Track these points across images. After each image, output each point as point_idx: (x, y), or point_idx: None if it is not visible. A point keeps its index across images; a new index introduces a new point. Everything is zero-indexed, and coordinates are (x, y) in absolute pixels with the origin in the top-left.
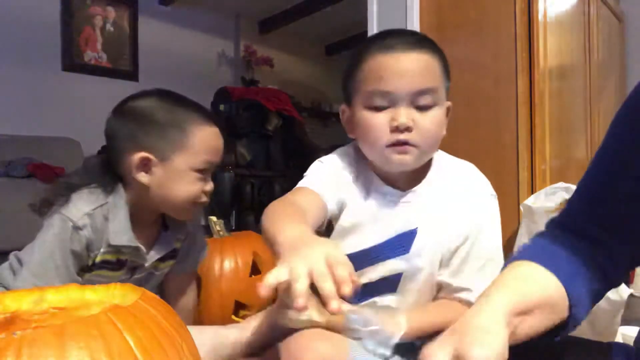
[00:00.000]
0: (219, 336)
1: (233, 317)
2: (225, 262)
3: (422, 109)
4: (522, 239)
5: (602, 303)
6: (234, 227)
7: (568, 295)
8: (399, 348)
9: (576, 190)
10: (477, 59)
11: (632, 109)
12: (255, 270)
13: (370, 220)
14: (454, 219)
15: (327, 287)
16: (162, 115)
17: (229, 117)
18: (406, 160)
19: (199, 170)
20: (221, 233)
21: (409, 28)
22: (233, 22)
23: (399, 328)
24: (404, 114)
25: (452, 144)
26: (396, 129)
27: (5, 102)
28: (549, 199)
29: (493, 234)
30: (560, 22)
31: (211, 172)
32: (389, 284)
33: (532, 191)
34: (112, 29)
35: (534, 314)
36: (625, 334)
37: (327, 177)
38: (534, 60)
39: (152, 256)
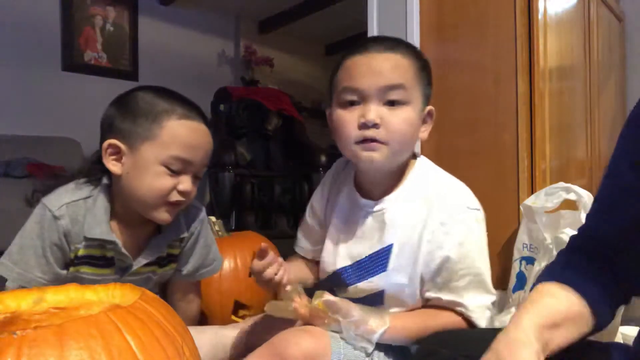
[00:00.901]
0: (219, 336)
1: (233, 317)
2: (225, 262)
3: (392, 104)
4: (522, 238)
5: None
6: (233, 227)
7: (590, 307)
8: (390, 349)
9: (590, 210)
10: (477, 59)
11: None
12: None
13: (348, 237)
14: (428, 234)
15: None
16: (142, 105)
17: (229, 117)
18: (374, 157)
19: (170, 166)
20: (220, 233)
21: (409, 28)
22: (233, 22)
23: (382, 323)
24: (373, 111)
25: (452, 144)
26: (364, 126)
27: (5, 102)
28: (549, 199)
29: (475, 248)
30: (560, 22)
31: (192, 171)
32: (374, 301)
33: (532, 191)
34: (112, 29)
35: (563, 327)
36: (625, 334)
37: (310, 223)
38: (534, 60)
39: (141, 260)
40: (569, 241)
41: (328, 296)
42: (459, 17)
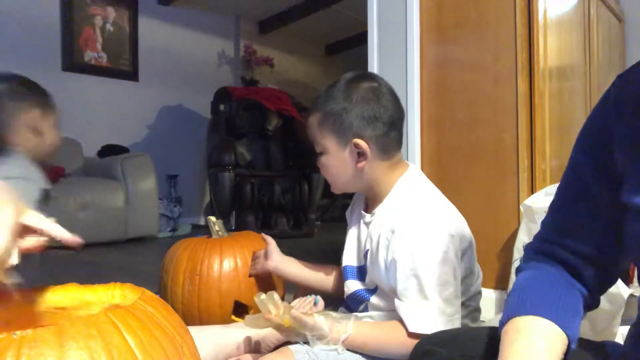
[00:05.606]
0: (222, 336)
1: (233, 317)
2: (225, 262)
3: (320, 154)
4: (522, 238)
5: (602, 303)
6: (233, 227)
7: (567, 336)
8: None
9: (547, 213)
10: (477, 59)
11: (587, 134)
12: None
13: (352, 241)
14: (384, 240)
15: None
16: None
17: (229, 117)
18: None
19: None
20: (220, 233)
21: (409, 28)
22: (233, 22)
23: (344, 330)
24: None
25: (452, 144)
26: None
27: None
28: (549, 199)
29: (421, 256)
30: (560, 22)
31: None
32: (359, 301)
33: (532, 191)
34: (112, 29)
35: None
36: (625, 334)
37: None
38: (534, 60)
39: None
40: (525, 252)
41: (295, 312)
42: (459, 18)
